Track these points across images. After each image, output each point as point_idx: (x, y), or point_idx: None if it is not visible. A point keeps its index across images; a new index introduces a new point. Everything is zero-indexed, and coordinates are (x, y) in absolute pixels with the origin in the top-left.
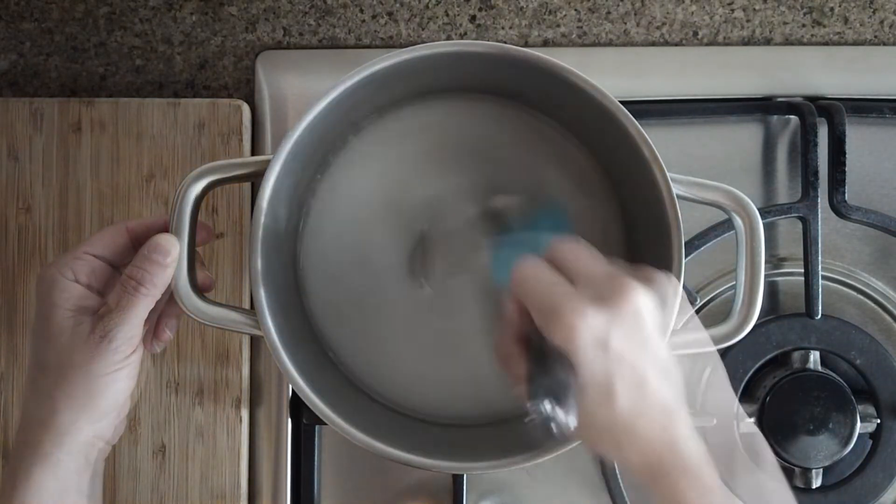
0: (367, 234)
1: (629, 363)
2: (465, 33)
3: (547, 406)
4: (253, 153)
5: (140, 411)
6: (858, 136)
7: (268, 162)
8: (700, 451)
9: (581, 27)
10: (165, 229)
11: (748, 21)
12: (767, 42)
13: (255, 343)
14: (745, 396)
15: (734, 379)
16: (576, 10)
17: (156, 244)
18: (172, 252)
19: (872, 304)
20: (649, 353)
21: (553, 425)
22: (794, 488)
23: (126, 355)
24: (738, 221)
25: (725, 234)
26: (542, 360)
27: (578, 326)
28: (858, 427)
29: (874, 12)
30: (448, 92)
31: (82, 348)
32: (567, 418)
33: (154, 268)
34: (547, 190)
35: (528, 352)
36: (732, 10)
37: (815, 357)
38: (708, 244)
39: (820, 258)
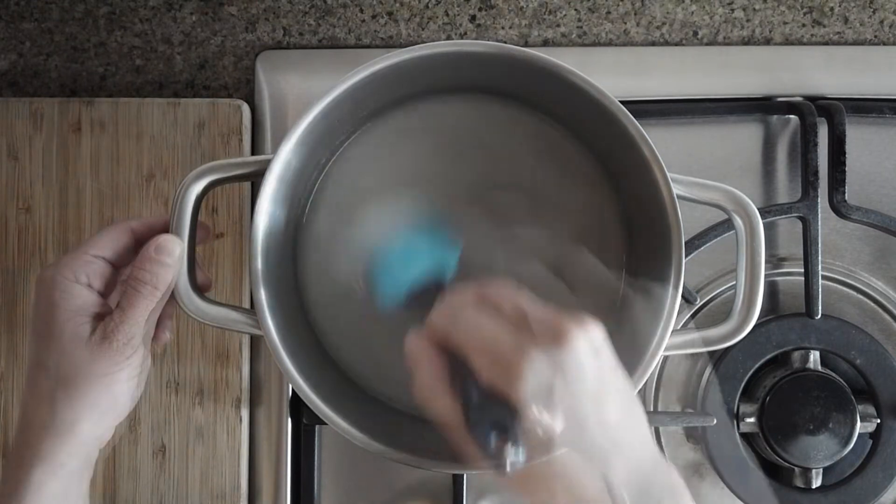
0: (367, 234)
1: (572, 408)
2: (465, 33)
3: (494, 445)
4: (253, 153)
5: (140, 411)
6: (858, 136)
7: (268, 162)
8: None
9: (581, 27)
10: (167, 229)
11: (748, 21)
12: (767, 42)
13: (255, 343)
14: (745, 396)
15: (734, 379)
16: (576, 9)
17: (159, 244)
18: (175, 252)
19: (872, 304)
20: (590, 395)
21: (506, 462)
22: (795, 488)
23: (127, 356)
24: (738, 221)
25: (725, 234)
26: (476, 397)
27: (526, 373)
28: (858, 427)
29: (874, 12)
30: (448, 92)
31: (83, 350)
32: (517, 454)
33: (158, 268)
34: (547, 189)
35: (458, 389)
36: (732, 10)
37: (815, 357)
38: (708, 244)
39: (820, 258)
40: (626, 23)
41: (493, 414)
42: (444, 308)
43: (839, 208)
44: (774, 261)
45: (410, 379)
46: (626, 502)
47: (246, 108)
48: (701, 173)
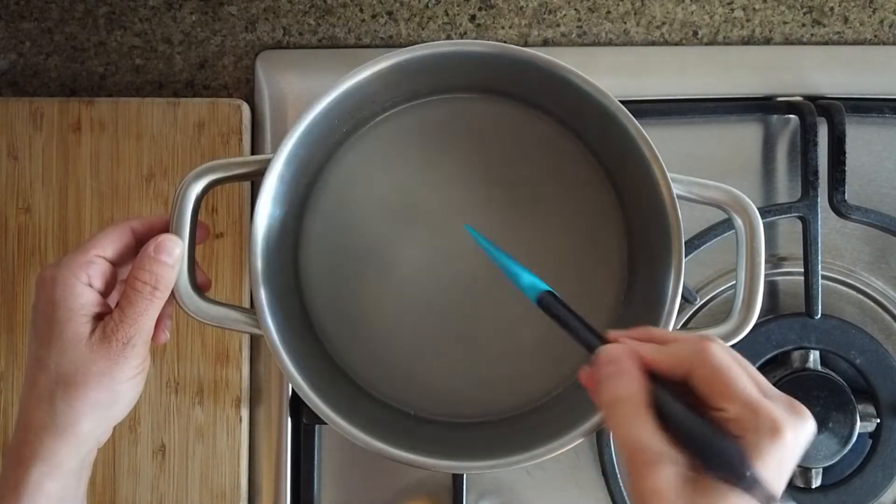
0: (366, 234)
1: (778, 487)
2: (465, 33)
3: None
4: (253, 153)
5: (140, 411)
6: (858, 136)
7: (268, 161)
8: None
9: (581, 27)
10: (167, 229)
11: (748, 21)
12: (767, 42)
13: (255, 343)
14: None
15: None
16: (575, 9)
17: (158, 244)
18: (175, 252)
19: (872, 304)
20: (784, 479)
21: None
22: (795, 488)
23: (126, 356)
24: (738, 221)
25: (725, 234)
26: (700, 433)
27: (787, 440)
28: (858, 426)
29: (874, 12)
30: (448, 92)
31: (84, 349)
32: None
33: (158, 268)
34: (547, 189)
35: (671, 420)
36: (732, 10)
37: (814, 357)
38: (708, 244)
39: (820, 258)
40: (625, 22)
41: (725, 459)
42: (711, 349)
43: (839, 208)
44: (774, 260)
45: (600, 388)
46: None
47: (246, 107)
48: (701, 173)
